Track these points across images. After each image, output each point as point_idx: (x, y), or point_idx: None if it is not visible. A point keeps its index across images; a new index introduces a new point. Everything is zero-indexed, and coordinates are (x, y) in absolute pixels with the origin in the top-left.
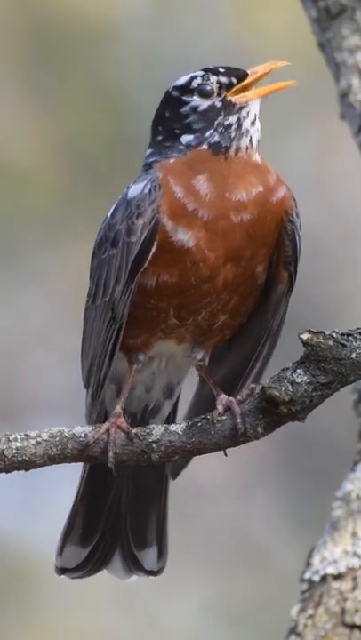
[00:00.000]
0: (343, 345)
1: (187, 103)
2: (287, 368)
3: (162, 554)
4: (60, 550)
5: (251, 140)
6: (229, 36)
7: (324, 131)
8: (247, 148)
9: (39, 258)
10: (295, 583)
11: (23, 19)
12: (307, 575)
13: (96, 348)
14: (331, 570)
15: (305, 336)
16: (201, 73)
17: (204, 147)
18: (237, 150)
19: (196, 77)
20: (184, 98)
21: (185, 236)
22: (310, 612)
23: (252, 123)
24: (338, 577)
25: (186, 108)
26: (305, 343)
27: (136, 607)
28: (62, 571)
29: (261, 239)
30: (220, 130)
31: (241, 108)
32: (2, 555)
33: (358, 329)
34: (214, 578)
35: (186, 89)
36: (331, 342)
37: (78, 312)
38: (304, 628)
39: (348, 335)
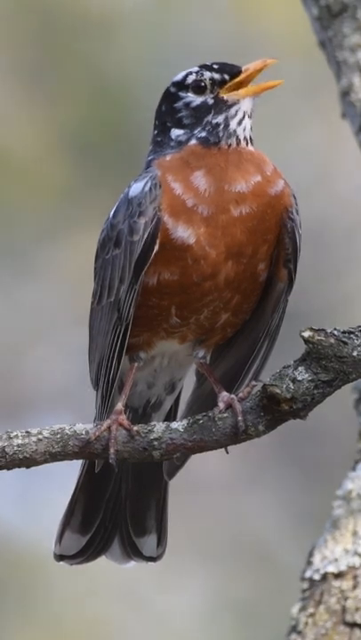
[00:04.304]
0: (345, 343)
1: (181, 99)
2: (288, 366)
3: (161, 541)
4: (60, 538)
5: (238, 139)
6: (231, 31)
7: (327, 127)
8: (238, 144)
9: (39, 253)
10: (296, 580)
11: (25, 11)
12: (307, 574)
13: (103, 350)
14: (331, 568)
15: (306, 334)
16: (196, 69)
17: (194, 141)
18: (229, 145)
19: (191, 73)
20: (180, 94)
21: (185, 233)
22: (311, 610)
23: (239, 123)
24: (338, 575)
25: (179, 104)
26: (306, 341)
27: (138, 602)
28: (61, 557)
29: (262, 235)
30: (207, 128)
31: (230, 107)
32: (2, 549)
33: (360, 326)
34: (216, 576)
35: (182, 85)
36: (332, 340)
37: (79, 308)
38: (305, 627)
39: (350, 333)
